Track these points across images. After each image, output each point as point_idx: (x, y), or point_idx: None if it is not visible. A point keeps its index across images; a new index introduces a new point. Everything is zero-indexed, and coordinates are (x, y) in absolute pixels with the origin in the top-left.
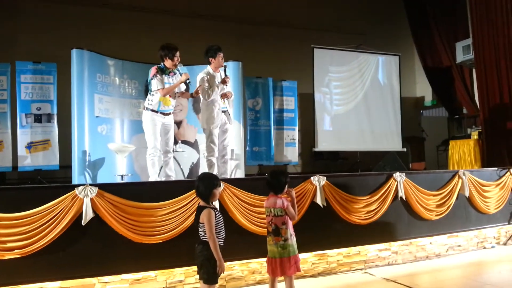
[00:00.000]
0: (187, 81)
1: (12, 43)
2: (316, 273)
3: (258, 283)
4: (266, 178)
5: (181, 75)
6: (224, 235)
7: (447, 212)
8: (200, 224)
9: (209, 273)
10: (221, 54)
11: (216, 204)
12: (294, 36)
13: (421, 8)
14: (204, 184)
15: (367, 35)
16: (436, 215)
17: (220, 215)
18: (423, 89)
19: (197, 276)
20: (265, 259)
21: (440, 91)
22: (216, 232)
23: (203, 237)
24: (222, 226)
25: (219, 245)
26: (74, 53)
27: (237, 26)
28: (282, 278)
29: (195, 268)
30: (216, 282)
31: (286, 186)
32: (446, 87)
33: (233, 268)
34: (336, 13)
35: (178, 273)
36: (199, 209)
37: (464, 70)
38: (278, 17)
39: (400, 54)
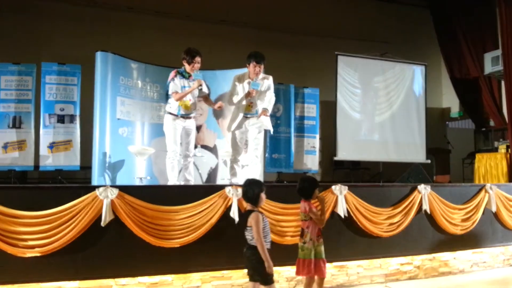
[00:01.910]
0: (199, 88)
1: (39, 44)
2: (335, 285)
3: None
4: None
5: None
6: (270, 239)
7: (473, 227)
8: (248, 228)
9: (264, 275)
10: (254, 63)
11: (235, 209)
12: (317, 43)
13: (448, 18)
14: (252, 189)
15: (392, 44)
16: (461, 230)
17: (266, 220)
18: (450, 100)
19: (215, 282)
20: (280, 268)
21: (467, 102)
22: (263, 236)
23: (250, 241)
24: (268, 229)
25: (266, 248)
26: (99, 55)
27: (259, 32)
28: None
29: (212, 274)
30: (273, 282)
31: (316, 192)
32: (473, 98)
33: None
34: (360, 21)
35: (194, 278)
36: (246, 213)
37: (492, 82)
38: (301, 24)
39: (426, 64)
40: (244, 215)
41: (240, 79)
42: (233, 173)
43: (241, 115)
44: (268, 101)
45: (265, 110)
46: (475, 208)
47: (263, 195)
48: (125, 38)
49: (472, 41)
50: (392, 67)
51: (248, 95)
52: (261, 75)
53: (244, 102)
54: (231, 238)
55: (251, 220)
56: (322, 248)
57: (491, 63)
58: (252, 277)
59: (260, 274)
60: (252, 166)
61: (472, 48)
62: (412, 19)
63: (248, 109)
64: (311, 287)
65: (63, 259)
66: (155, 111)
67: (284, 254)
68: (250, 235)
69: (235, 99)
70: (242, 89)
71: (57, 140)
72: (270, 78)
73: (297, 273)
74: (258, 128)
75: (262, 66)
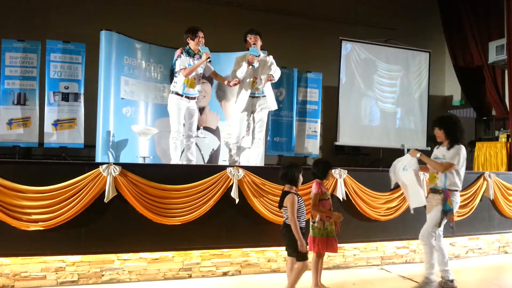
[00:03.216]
0: (208, 60)
1: (44, 22)
2: (331, 266)
3: (273, 271)
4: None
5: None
6: (305, 219)
7: (470, 213)
8: (284, 208)
9: (297, 251)
10: (249, 35)
11: (235, 190)
12: (321, 28)
13: (454, 6)
14: (292, 171)
15: (397, 30)
16: (458, 216)
17: (302, 200)
18: (452, 88)
19: (214, 260)
20: (279, 248)
21: (469, 91)
22: (297, 216)
23: (286, 220)
24: (303, 210)
25: (300, 227)
26: (103, 34)
27: (263, 15)
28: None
29: (211, 251)
30: (307, 258)
31: (330, 172)
32: (476, 87)
33: (249, 255)
34: (365, 6)
35: (195, 255)
36: (283, 194)
37: (496, 71)
38: (306, 8)
39: (430, 51)
40: (281, 195)
41: (242, 58)
42: (234, 154)
43: (247, 95)
44: (273, 71)
45: (270, 75)
46: (473, 195)
47: (301, 177)
48: (130, 18)
49: (478, 29)
50: (396, 53)
51: (249, 63)
52: (262, 54)
53: (248, 80)
54: (231, 217)
55: (287, 201)
56: (333, 227)
57: (496, 52)
58: (289, 253)
59: (294, 250)
60: (255, 149)
61: (477, 36)
62: (417, 5)
63: (254, 86)
64: (318, 263)
65: (66, 234)
66: (158, 92)
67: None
68: (286, 215)
69: (239, 73)
70: (245, 66)
71: (62, 118)
72: (270, 56)
73: (309, 249)
74: (263, 109)
75: (259, 38)
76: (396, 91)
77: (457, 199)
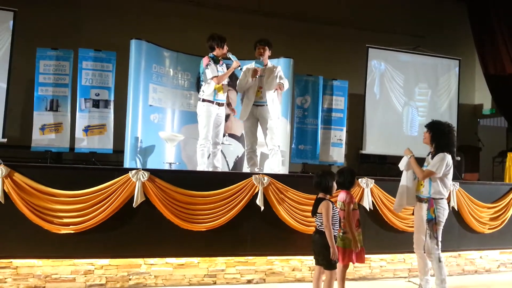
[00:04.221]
0: (239, 68)
1: (76, 31)
2: (357, 277)
3: (298, 280)
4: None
5: (228, 66)
6: (338, 227)
7: (501, 226)
8: (318, 214)
9: (328, 259)
10: (258, 46)
11: (260, 197)
12: (347, 35)
13: (485, 13)
14: (326, 179)
15: (425, 38)
16: (489, 229)
17: (336, 208)
18: (482, 97)
19: (239, 267)
20: (303, 257)
21: (500, 99)
22: (332, 223)
23: (319, 227)
24: (337, 218)
25: (334, 235)
26: (133, 43)
27: (289, 23)
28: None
29: (236, 258)
30: (335, 268)
31: (356, 181)
32: (508, 95)
33: (274, 263)
34: (392, 14)
35: (220, 262)
36: (317, 201)
37: None
38: (332, 16)
39: (460, 59)
40: (315, 202)
41: (249, 68)
42: (252, 163)
43: (250, 104)
44: (283, 80)
45: (280, 84)
46: (505, 208)
47: (335, 185)
48: (158, 27)
49: (510, 35)
50: (425, 61)
51: (253, 76)
52: (269, 64)
53: (253, 89)
54: (256, 225)
55: (321, 207)
56: (361, 237)
57: None
58: (318, 261)
59: (325, 258)
60: (272, 157)
61: (509, 43)
62: (446, 11)
63: (258, 95)
64: (345, 273)
65: (95, 237)
66: (185, 99)
67: (308, 243)
68: (320, 221)
69: (246, 81)
70: (250, 79)
71: (92, 123)
72: (278, 67)
73: (339, 260)
74: (266, 118)
75: (267, 49)
76: (424, 99)
77: (444, 206)
